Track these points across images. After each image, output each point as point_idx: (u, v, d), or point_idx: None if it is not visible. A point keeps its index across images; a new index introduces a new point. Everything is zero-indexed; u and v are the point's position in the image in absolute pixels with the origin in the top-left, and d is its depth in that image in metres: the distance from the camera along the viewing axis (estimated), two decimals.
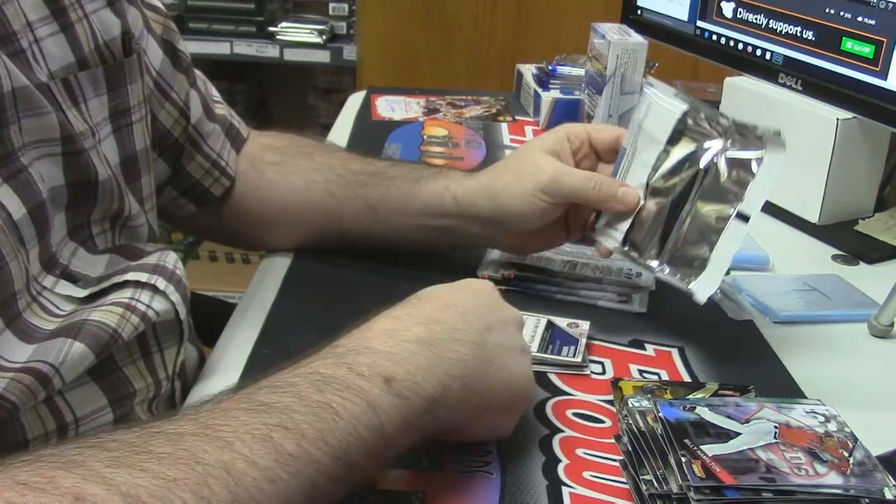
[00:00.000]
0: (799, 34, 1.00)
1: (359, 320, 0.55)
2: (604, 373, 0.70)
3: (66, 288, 0.61)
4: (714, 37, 1.13)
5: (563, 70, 1.29)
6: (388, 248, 0.83)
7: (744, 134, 0.70)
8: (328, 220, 0.83)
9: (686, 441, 0.53)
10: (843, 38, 0.94)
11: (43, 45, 0.60)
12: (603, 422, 0.63)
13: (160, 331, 0.66)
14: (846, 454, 0.53)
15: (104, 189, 0.63)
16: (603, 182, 0.73)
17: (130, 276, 0.63)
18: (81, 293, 0.61)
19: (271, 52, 2.28)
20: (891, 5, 0.88)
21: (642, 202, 0.72)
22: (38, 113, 0.58)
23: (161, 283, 0.64)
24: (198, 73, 0.84)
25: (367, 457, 0.48)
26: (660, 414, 0.56)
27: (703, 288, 0.68)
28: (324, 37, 2.28)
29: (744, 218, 0.68)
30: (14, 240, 0.55)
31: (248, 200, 0.85)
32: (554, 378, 0.68)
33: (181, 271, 0.67)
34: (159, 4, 0.79)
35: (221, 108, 0.86)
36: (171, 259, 0.67)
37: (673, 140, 0.72)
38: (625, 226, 0.73)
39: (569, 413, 0.64)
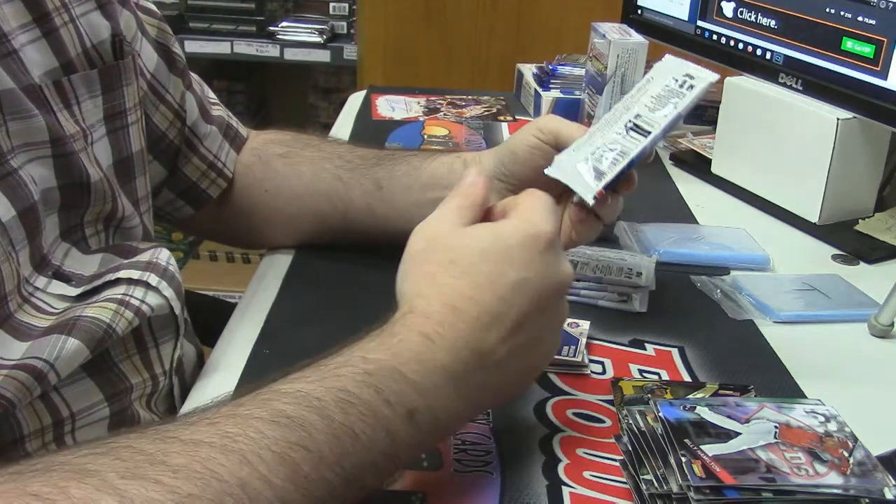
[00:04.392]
0: (799, 34, 1.00)
1: (390, 313, 0.54)
2: (604, 373, 0.70)
3: (58, 287, 0.61)
4: (714, 36, 1.13)
5: (564, 70, 1.29)
6: (389, 235, 0.82)
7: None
8: (334, 205, 0.82)
9: (686, 441, 0.53)
10: (844, 37, 0.94)
11: (23, 52, 0.60)
12: (603, 422, 0.63)
13: (155, 326, 0.66)
14: (846, 454, 0.53)
15: (96, 190, 0.63)
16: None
17: (123, 273, 0.63)
18: (74, 292, 0.61)
19: (271, 51, 2.28)
20: (891, 5, 0.88)
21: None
22: (25, 116, 0.58)
23: (154, 280, 0.64)
24: (193, 75, 0.84)
25: (376, 478, 0.48)
26: (660, 414, 0.56)
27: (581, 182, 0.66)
28: (324, 36, 2.28)
29: (638, 129, 0.68)
30: (4, 242, 0.55)
31: (254, 193, 0.85)
32: (554, 378, 0.68)
33: (174, 267, 0.67)
34: (153, 7, 0.79)
35: (218, 110, 0.86)
36: (163, 256, 0.67)
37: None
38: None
39: (569, 413, 0.64)
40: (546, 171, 0.67)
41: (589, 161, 0.66)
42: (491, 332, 0.52)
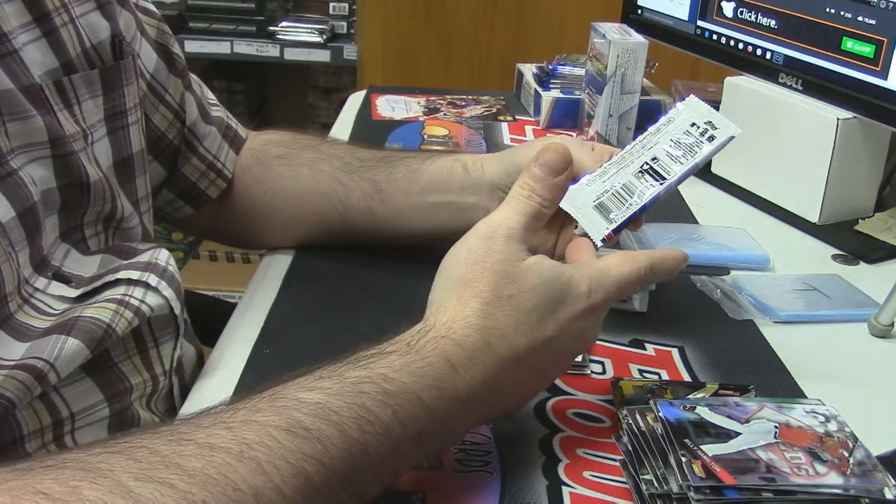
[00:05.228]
0: (799, 34, 1.00)
1: (420, 324, 0.54)
2: (604, 373, 0.70)
3: (58, 289, 0.61)
4: (714, 36, 1.13)
5: (564, 70, 1.29)
6: (388, 238, 0.83)
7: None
8: (333, 206, 0.82)
9: (686, 441, 0.53)
10: (844, 37, 0.94)
11: (24, 52, 0.60)
12: (603, 422, 0.63)
13: (155, 326, 0.66)
14: (846, 454, 0.53)
15: (96, 191, 0.63)
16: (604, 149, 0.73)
17: (122, 273, 0.63)
18: (74, 293, 0.61)
19: (271, 51, 2.28)
20: (891, 5, 0.88)
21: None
22: (23, 116, 0.58)
23: (153, 280, 0.64)
24: (192, 76, 0.84)
25: (377, 490, 0.49)
26: (660, 414, 0.56)
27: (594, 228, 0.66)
28: (324, 36, 2.28)
29: (655, 174, 0.68)
30: (4, 243, 0.55)
31: (253, 195, 0.85)
32: None
33: (173, 267, 0.67)
34: (152, 7, 0.79)
35: (218, 111, 0.86)
36: (163, 256, 0.67)
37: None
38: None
39: (569, 413, 0.64)
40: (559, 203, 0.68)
41: (601, 200, 0.67)
42: (511, 373, 0.54)
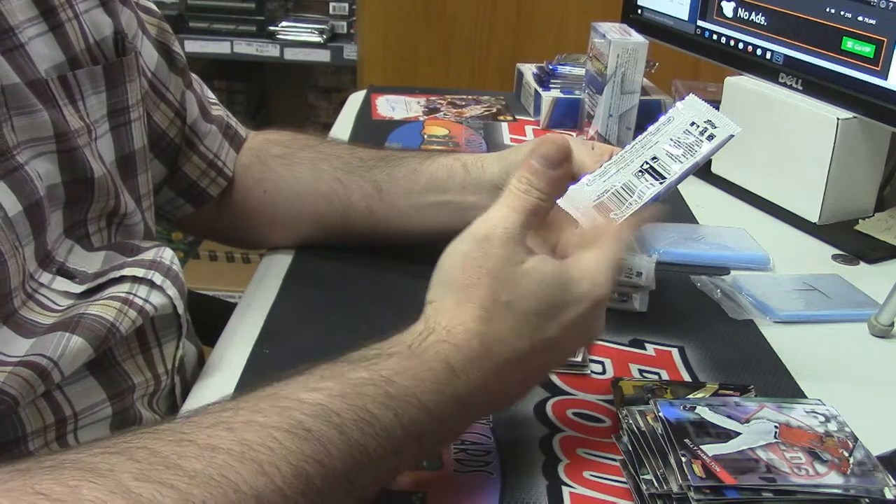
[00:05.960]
0: (799, 34, 1.00)
1: (420, 325, 0.54)
2: (604, 373, 0.70)
3: (62, 284, 0.61)
4: (714, 36, 1.13)
5: (564, 69, 1.29)
6: (388, 237, 0.83)
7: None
8: (333, 206, 0.82)
9: (686, 441, 0.53)
10: (844, 37, 0.94)
11: (30, 46, 0.60)
12: (603, 422, 0.63)
13: (158, 325, 0.66)
14: (846, 454, 0.53)
15: (100, 186, 0.63)
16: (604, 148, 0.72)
17: (127, 271, 0.63)
18: (78, 289, 0.61)
19: (271, 51, 2.28)
20: (891, 5, 0.88)
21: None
22: (29, 111, 0.58)
23: (158, 279, 0.65)
24: (193, 75, 0.84)
25: (376, 489, 0.49)
26: (660, 414, 0.56)
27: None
28: (324, 36, 2.28)
29: (655, 173, 0.67)
30: (11, 237, 0.55)
31: (253, 194, 0.85)
32: (554, 378, 0.68)
33: (178, 267, 0.67)
34: (153, 6, 0.79)
35: (218, 110, 0.86)
36: (167, 255, 0.67)
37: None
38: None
39: (569, 413, 0.64)
40: (558, 201, 0.67)
41: (602, 200, 0.67)
42: (511, 374, 0.54)
